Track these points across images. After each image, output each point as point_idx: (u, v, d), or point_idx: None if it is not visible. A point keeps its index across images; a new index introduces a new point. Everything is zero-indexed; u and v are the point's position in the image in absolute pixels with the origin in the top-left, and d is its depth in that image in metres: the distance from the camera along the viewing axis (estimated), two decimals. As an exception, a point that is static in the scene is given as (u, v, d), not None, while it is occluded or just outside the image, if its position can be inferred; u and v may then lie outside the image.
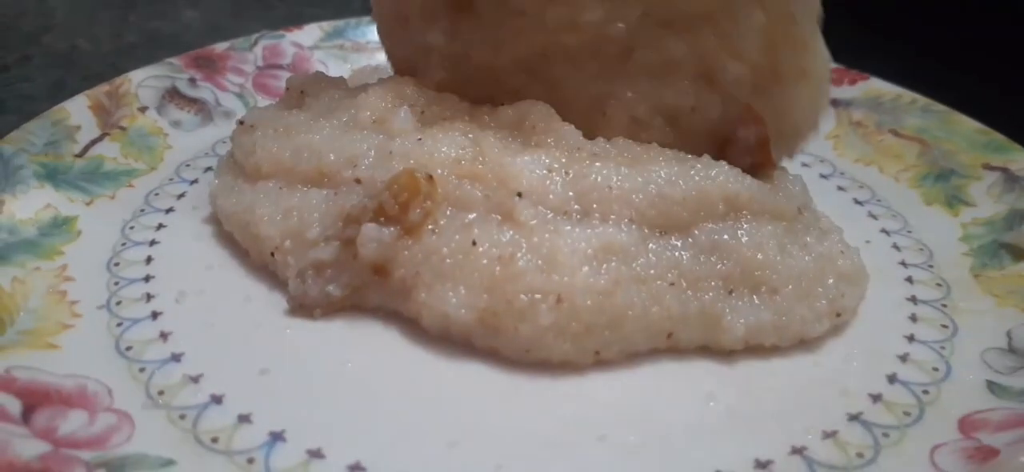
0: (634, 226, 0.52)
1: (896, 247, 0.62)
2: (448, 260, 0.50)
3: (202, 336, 0.52)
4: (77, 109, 0.68)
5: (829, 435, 0.46)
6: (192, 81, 0.75)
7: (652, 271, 0.51)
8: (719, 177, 0.53)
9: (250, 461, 0.44)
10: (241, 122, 0.62)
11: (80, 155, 0.65)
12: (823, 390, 0.50)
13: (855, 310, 0.54)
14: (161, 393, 0.48)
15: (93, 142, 0.67)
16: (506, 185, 0.52)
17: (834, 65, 0.79)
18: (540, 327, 0.48)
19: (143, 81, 0.73)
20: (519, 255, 0.49)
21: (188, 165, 0.68)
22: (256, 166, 0.58)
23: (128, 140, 0.68)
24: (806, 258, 0.53)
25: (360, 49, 0.83)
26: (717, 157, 0.55)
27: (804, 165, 0.70)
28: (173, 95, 0.73)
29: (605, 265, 0.50)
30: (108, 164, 0.66)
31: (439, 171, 0.53)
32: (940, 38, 0.94)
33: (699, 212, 0.52)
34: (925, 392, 0.50)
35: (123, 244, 0.59)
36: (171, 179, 0.66)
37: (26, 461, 0.41)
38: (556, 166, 0.53)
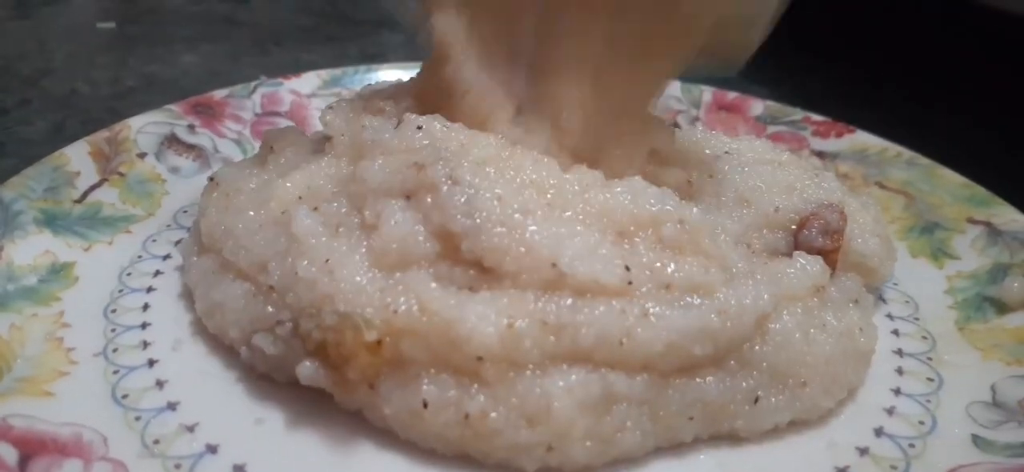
0: (652, 376, 0.46)
1: (882, 299, 0.63)
2: (396, 420, 0.46)
3: (197, 385, 0.52)
4: (77, 155, 0.69)
5: None
6: (191, 127, 0.76)
7: (672, 410, 0.47)
8: (754, 302, 0.48)
9: None
10: (211, 178, 0.62)
11: (79, 201, 0.66)
12: (810, 443, 0.50)
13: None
14: (157, 442, 0.48)
15: (92, 188, 0.67)
16: (459, 347, 0.44)
17: (820, 118, 0.82)
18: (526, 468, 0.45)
19: (142, 127, 0.74)
20: (492, 413, 0.44)
21: (185, 212, 0.68)
22: (204, 232, 0.57)
23: (127, 186, 0.69)
24: (828, 343, 0.51)
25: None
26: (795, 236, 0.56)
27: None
28: (172, 141, 0.74)
29: (608, 414, 0.45)
30: (106, 210, 0.66)
31: (369, 318, 0.45)
32: (928, 87, 0.97)
33: (733, 346, 0.48)
34: (911, 446, 0.50)
35: (120, 291, 0.60)
36: (168, 226, 0.67)
37: (21, 511, 0.41)
38: (522, 312, 0.45)
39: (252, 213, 0.55)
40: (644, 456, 0.47)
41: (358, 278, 0.46)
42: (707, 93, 0.86)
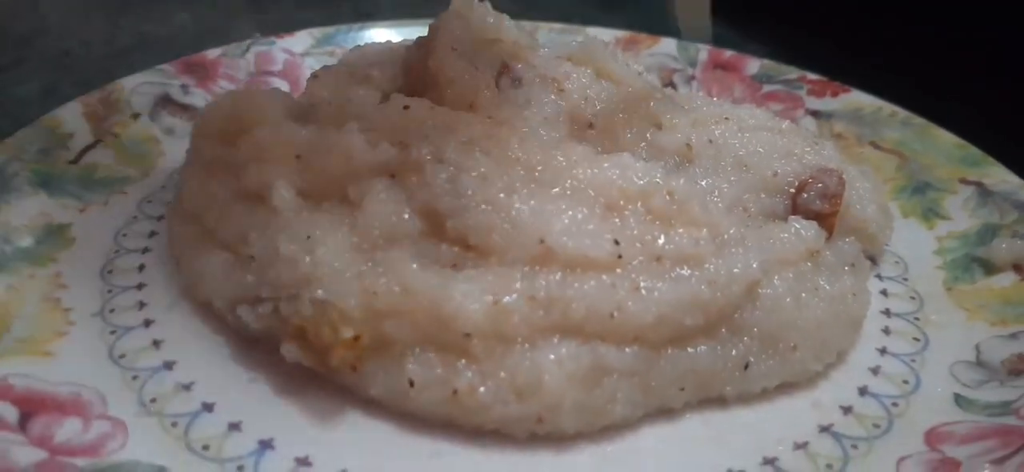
0: (643, 347, 0.47)
1: (872, 259, 0.63)
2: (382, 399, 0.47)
3: (193, 344, 0.53)
4: (71, 116, 0.69)
5: (800, 446, 0.48)
6: (184, 88, 0.76)
7: (663, 381, 0.47)
8: (743, 270, 0.48)
9: (240, 468, 0.45)
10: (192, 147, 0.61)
11: (74, 162, 0.66)
12: (795, 402, 0.51)
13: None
14: (153, 400, 0.49)
15: (87, 149, 0.67)
16: (445, 325, 0.45)
17: (816, 77, 0.81)
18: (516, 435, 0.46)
19: (136, 87, 0.74)
20: (481, 388, 0.45)
21: (180, 170, 0.69)
22: (186, 200, 0.58)
23: (121, 146, 0.69)
24: (820, 307, 0.51)
25: (352, 57, 0.84)
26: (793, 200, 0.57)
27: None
28: (166, 102, 0.74)
29: (598, 387, 0.46)
30: (102, 171, 0.67)
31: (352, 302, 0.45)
32: (929, 45, 0.96)
33: (723, 315, 0.49)
34: (894, 404, 0.51)
35: (116, 251, 0.60)
36: (163, 186, 0.67)
37: (23, 468, 0.42)
38: (511, 289, 0.45)
39: (232, 182, 0.55)
40: (634, 421, 0.48)
41: (337, 263, 0.46)
42: (703, 52, 0.85)
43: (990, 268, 0.61)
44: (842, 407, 0.51)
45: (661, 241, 0.49)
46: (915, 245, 0.65)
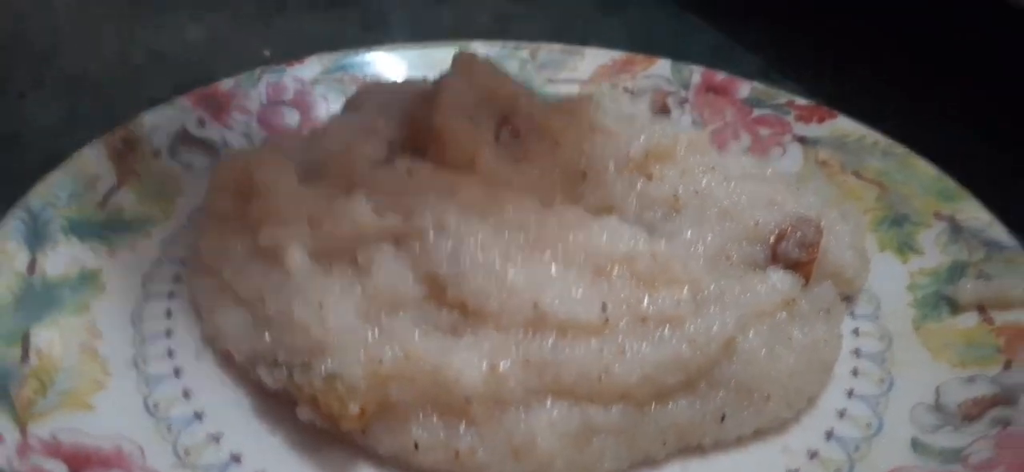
0: (628, 406, 0.51)
1: (848, 298, 0.67)
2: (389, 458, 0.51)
3: (220, 394, 0.58)
4: (96, 157, 0.73)
5: None
6: (200, 122, 0.80)
7: (647, 435, 0.52)
8: (721, 328, 0.53)
9: None
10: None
11: (101, 205, 0.70)
12: (767, 447, 0.56)
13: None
14: (187, 453, 0.54)
15: (112, 191, 0.72)
16: (446, 390, 0.50)
17: (805, 102, 0.84)
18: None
19: (155, 125, 0.77)
20: (480, 450, 0.49)
21: (198, 212, 0.73)
22: (203, 253, 0.63)
23: (143, 186, 0.73)
24: (792, 358, 0.56)
25: (359, 82, 0.87)
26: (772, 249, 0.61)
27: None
28: (183, 137, 0.78)
29: (588, 445, 0.50)
30: (127, 213, 0.71)
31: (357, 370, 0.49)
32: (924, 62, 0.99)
33: (702, 372, 0.53)
34: (857, 449, 0.56)
35: (144, 297, 0.65)
36: (184, 226, 0.71)
37: (76, 528, 0.48)
38: (507, 355, 0.50)
39: (249, 239, 0.60)
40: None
41: (346, 331, 0.51)
42: (697, 74, 0.88)
43: (956, 307, 0.65)
44: (809, 451, 0.55)
45: (645, 303, 0.53)
46: (890, 280, 0.68)
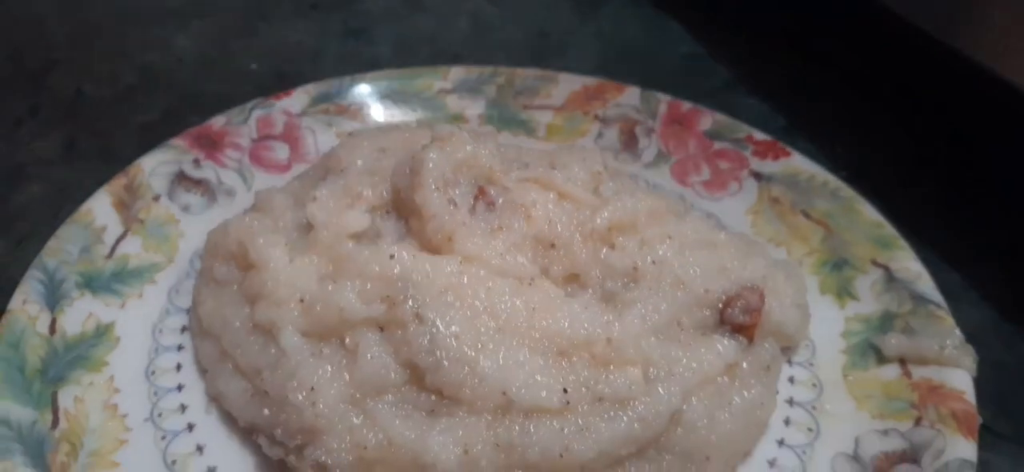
0: None
1: (787, 347, 0.75)
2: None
3: (229, 448, 0.65)
4: (101, 208, 0.78)
5: None
6: (196, 162, 0.85)
7: None
8: (668, 405, 0.60)
9: None
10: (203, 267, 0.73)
11: (109, 256, 0.76)
12: None
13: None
14: None
15: (118, 240, 0.77)
16: (425, 471, 0.57)
17: (762, 138, 0.90)
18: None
19: (154, 169, 0.82)
20: None
21: (200, 256, 0.79)
22: (203, 319, 0.70)
23: (147, 233, 0.79)
24: (731, 422, 0.64)
25: (343, 112, 0.92)
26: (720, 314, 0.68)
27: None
28: (181, 179, 0.83)
29: None
30: (133, 261, 0.77)
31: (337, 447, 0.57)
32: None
33: (651, 443, 0.61)
34: None
35: (155, 349, 0.72)
36: (187, 273, 0.78)
37: None
38: (478, 439, 0.58)
39: (245, 310, 0.67)
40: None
41: (336, 417, 0.59)
42: (663, 104, 0.93)
43: (881, 358, 0.72)
44: None
45: (601, 385, 0.61)
46: (827, 325, 0.75)
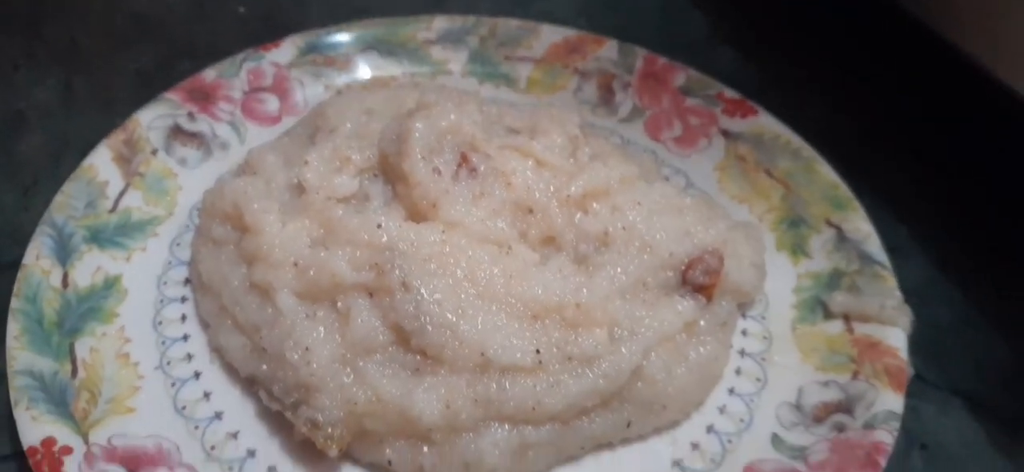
0: (556, 424, 0.66)
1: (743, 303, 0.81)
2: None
3: (233, 395, 0.71)
4: (102, 163, 0.82)
5: None
6: (190, 116, 0.88)
7: (570, 445, 0.67)
8: (629, 362, 0.67)
9: None
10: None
11: (112, 210, 0.81)
12: (660, 440, 0.71)
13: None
14: (213, 448, 0.69)
15: (120, 195, 0.82)
16: (411, 424, 0.63)
17: (732, 95, 0.94)
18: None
19: (151, 123, 0.86)
20: (438, 465, 0.64)
21: (198, 209, 0.83)
22: (203, 275, 0.75)
23: (147, 187, 0.83)
24: (687, 376, 0.70)
25: (331, 64, 0.95)
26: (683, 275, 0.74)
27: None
28: (177, 133, 0.87)
29: (524, 457, 0.66)
30: (135, 215, 0.81)
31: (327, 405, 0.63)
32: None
33: (615, 395, 0.67)
34: (729, 441, 0.71)
35: (161, 301, 0.77)
36: (187, 227, 0.83)
37: (142, 526, 0.63)
38: (459, 394, 0.64)
39: (243, 269, 0.72)
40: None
41: (329, 376, 0.65)
42: (640, 59, 0.97)
43: (827, 314, 0.79)
44: (692, 443, 0.71)
45: (570, 346, 0.68)
46: (780, 280, 0.81)
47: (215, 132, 0.89)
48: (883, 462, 0.66)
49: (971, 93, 0.89)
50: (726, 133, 0.92)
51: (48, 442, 0.64)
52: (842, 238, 0.83)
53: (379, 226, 0.70)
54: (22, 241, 0.76)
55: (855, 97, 1.03)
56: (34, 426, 0.64)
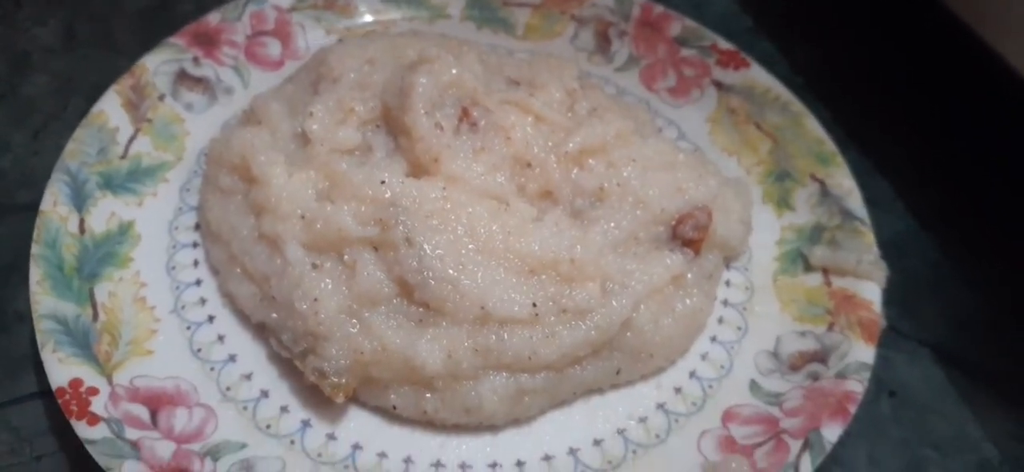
0: (550, 372, 0.70)
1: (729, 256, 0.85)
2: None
3: (245, 339, 0.75)
4: (112, 109, 0.84)
5: (642, 420, 0.74)
6: (195, 60, 0.90)
7: (563, 390, 0.71)
8: (619, 314, 0.71)
9: (292, 442, 0.71)
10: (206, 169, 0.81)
11: (123, 156, 0.83)
12: (646, 385, 0.76)
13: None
14: (228, 389, 0.73)
15: (131, 140, 0.84)
16: (415, 372, 0.67)
17: (726, 47, 0.96)
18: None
19: (157, 68, 0.87)
20: (442, 411, 0.69)
21: (206, 154, 0.86)
22: (211, 224, 0.78)
23: (155, 132, 0.85)
24: (673, 326, 0.74)
25: (331, 7, 0.96)
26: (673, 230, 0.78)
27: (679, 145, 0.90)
28: (183, 78, 0.88)
29: (520, 402, 0.70)
30: (145, 160, 0.84)
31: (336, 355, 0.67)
32: None
33: (606, 344, 0.72)
34: (710, 386, 0.76)
35: (173, 246, 0.80)
36: (195, 172, 0.85)
37: (166, 462, 0.68)
38: (460, 345, 0.68)
39: (252, 219, 0.75)
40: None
41: (336, 326, 0.68)
42: (636, 7, 0.98)
43: (807, 266, 0.83)
44: (675, 388, 0.76)
45: (565, 299, 0.72)
46: (764, 233, 0.85)
47: (219, 77, 0.90)
48: (853, 410, 0.71)
49: (960, 55, 0.91)
50: (719, 85, 0.94)
51: (75, 383, 0.68)
52: (825, 193, 0.87)
53: (383, 182, 0.73)
54: (33, 184, 0.79)
55: (846, 45, 1.05)
56: (61, 367, 0.68)
